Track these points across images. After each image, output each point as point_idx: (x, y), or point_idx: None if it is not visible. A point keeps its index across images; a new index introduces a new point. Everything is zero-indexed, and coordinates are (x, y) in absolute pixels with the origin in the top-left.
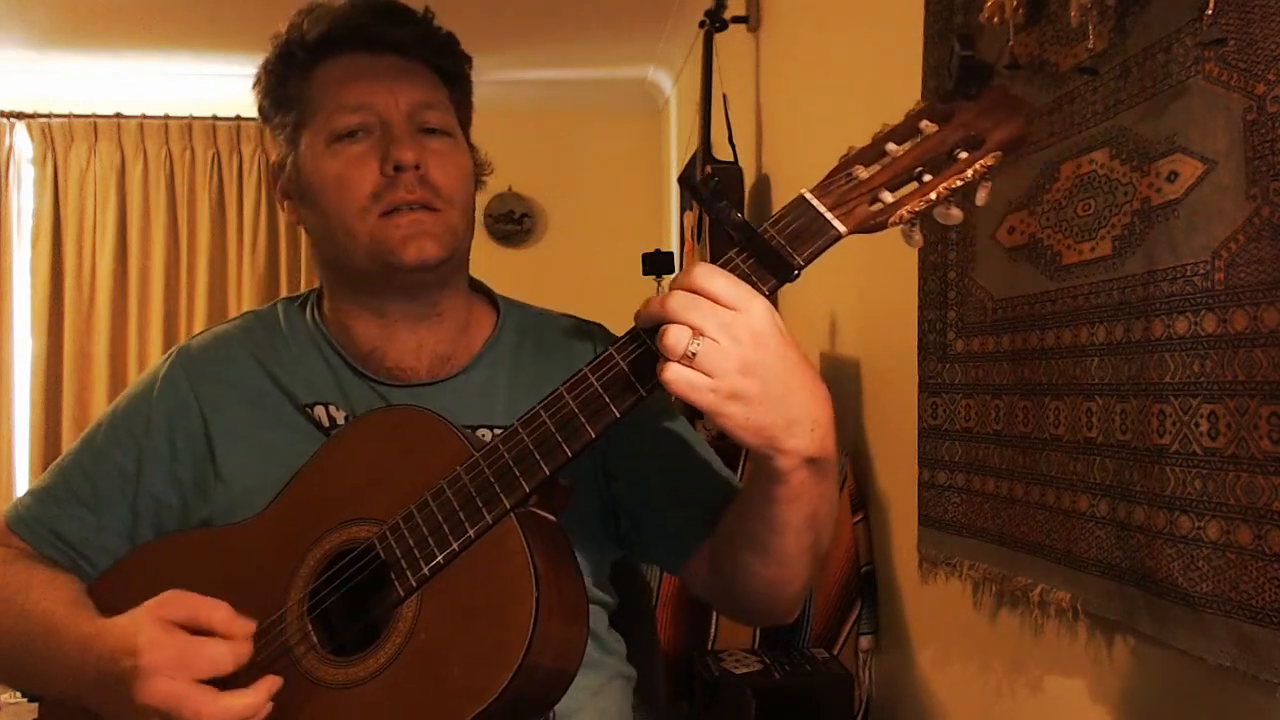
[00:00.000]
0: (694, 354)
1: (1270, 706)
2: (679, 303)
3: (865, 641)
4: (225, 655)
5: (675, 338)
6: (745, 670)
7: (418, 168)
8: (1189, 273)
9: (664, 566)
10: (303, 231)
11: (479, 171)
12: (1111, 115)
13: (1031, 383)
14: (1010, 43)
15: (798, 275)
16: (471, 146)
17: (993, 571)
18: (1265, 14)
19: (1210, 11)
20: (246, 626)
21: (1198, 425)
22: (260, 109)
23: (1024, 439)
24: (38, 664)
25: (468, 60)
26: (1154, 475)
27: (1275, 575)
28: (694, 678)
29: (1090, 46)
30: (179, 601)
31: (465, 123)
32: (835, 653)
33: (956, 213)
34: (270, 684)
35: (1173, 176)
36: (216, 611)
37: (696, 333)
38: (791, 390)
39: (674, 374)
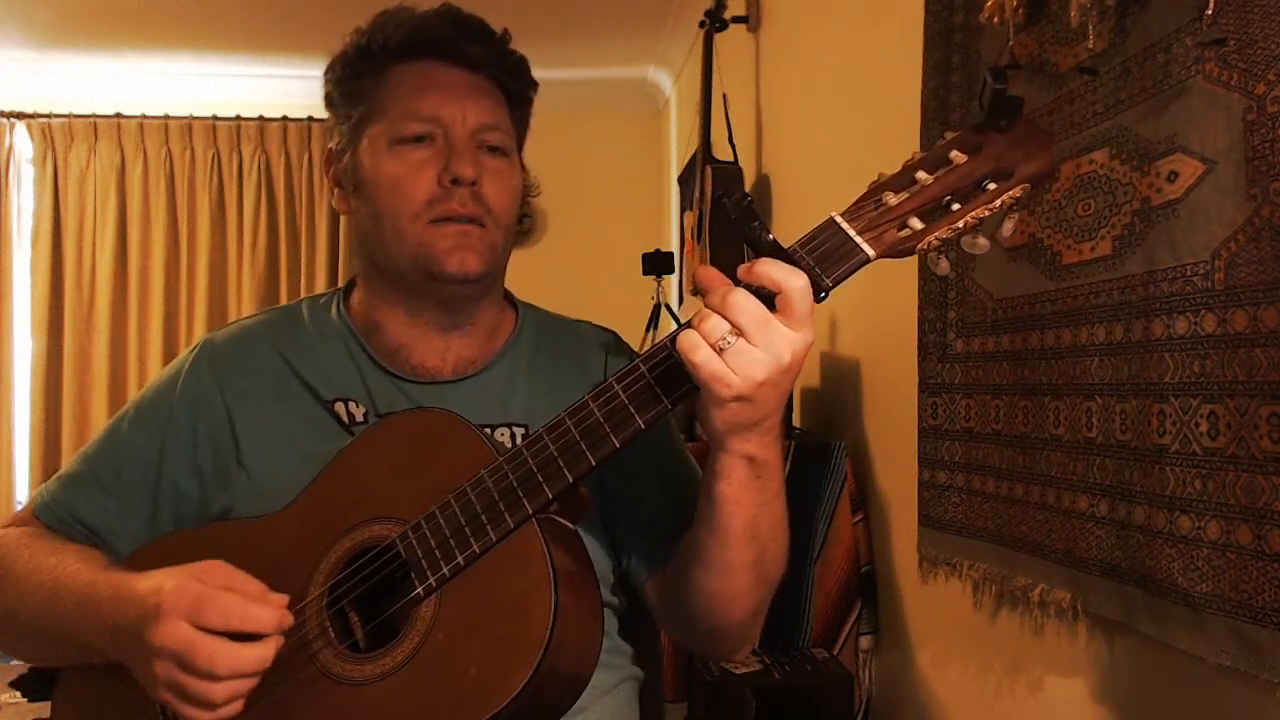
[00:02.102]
0: (723, 347)
1: (1270, 706)
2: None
3: (865, 641)
4: (236, 608)
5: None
6: (745, 670)
7: (474, 183)
8: (1189, 273)
9: (629, 580)
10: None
11: (526, 192)
12: (1111, 115)
13: (1031, 383)
14: (1010, 43)
15: (825, 297)
16: (523, 167)
17: (993, 571)
18: (1265, 14)
19: (1210, 11)
20: (279, 598)
21: (1198, 425)
22: (327, 97)
23: (1024, 439)
24: (66, 616)
25: (534, 85)
26: (1154, 475)
27: (1275, 575)
28: (694, 678)
29: (1090, 46)
30: (220, 568)
31: (520, 143)
32: (835, 653)
33: (983, 242)
34: (278, 641)
35: (1173, 176)
36: (250, 584)
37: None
38: (779, 406)
39: (704, 359)
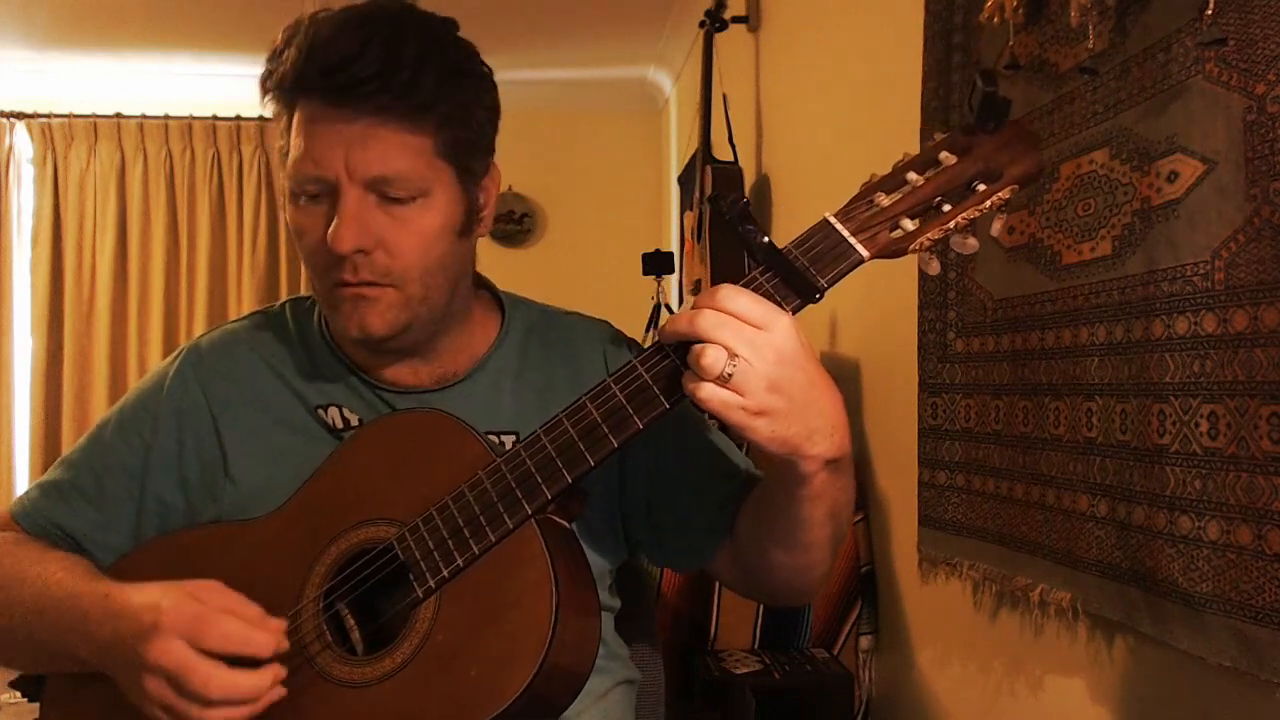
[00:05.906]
0: (729, 375)
1: (1270, 706)
2: (709, 322)
3: (865, 641)
4: (237, 632)
5: (713, 358)
6: (745, 670)
7: (362, 251)
8: (1189, 273)
9: (682, 565)
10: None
11: (474, 211)
12: (1111, 115)
13: (1031, 383)
14: (1010, 43)
15: (820, 297)
16: (469, 181)
17: (993, 571)
18: (1265, 14)
19: (1210, 11)
20: (276, 623)
21: (1198, 425)
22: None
23: (1024, 439)
24: (52, 627)
25: (455, 83)
26: (1154, 475)
27: (1275, 575)
28: (694, 678)
29: (1090, 46)
30: (217, 590)
31: (460, 155)
32: (835, 653)
33: (973, 242)
34: (276, 671)
35: (1173, 176)
36: (249, 608)
37: (729, 353)
38: (812, 401)
39: (709, 393)
